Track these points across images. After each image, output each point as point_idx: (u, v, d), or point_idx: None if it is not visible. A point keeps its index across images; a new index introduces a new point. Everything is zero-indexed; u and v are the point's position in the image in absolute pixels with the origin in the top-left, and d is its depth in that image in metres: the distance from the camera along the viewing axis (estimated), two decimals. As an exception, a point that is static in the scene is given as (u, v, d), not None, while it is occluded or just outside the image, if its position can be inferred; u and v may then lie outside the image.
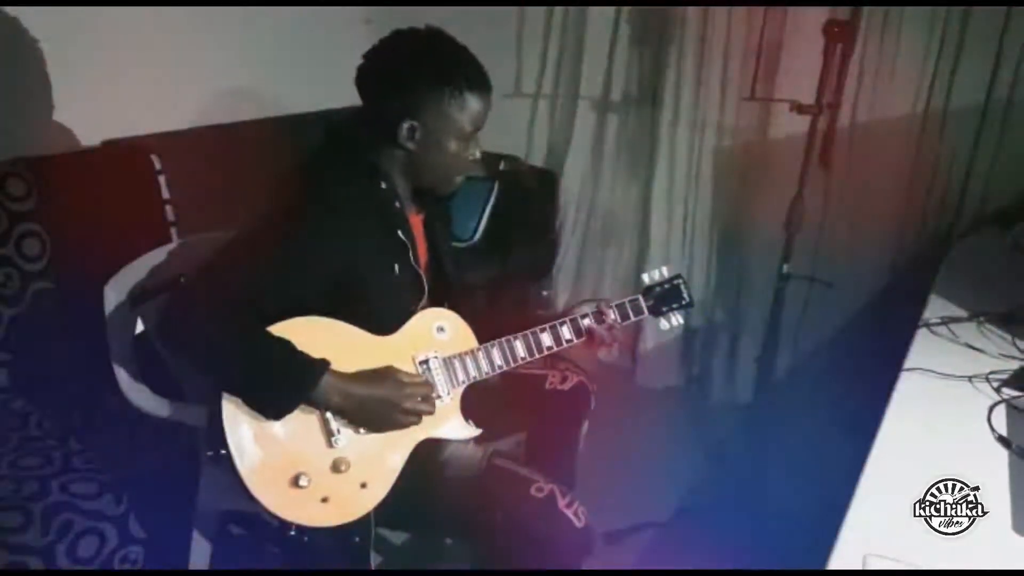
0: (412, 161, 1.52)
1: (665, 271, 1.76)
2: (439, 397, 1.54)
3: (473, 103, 1.48)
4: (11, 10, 2.12)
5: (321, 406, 1.41)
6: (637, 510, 2.40)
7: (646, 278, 1.75)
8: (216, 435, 1.37)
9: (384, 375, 1.46)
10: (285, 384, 1.37)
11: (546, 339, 1.64)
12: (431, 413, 1.49)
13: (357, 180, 1.49)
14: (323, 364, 1.39)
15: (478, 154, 1.56)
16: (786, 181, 2.18)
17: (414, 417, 1.46)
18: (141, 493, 1.74)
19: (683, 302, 1.75)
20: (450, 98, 1.45)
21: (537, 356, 1.64)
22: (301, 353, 1.38)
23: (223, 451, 1.36)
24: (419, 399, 1.47)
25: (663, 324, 1.76)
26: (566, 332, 1.66)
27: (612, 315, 1.69)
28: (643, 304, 1.73)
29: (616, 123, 3.19)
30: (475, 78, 1.48)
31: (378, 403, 1.43)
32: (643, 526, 2.36)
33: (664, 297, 1.74)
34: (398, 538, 1.68)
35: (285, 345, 1.37)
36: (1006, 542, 1.10)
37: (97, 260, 1.72)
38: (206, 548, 1.77)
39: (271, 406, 1.37)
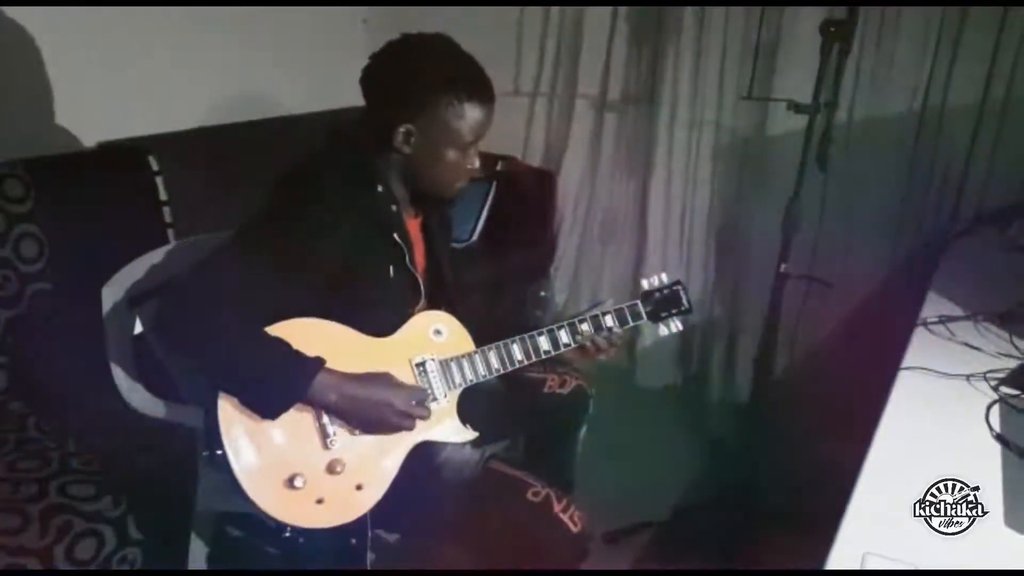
0: (408, 166, 1.52)
1: (664, 277, 1.76)
2: (435, 400, 1.54)
3: (472, 113, 1.47)
4: (10, 11, 2.12)
5: (316, 405, 1.41)
6: (635, 509, 2.40)
7: (645, 284, 1.74)
8: (212, 436, 1.37)
9: (380, 377, 1.46)
10: (280, 382, 1.37)
11: (544, 343, 1.64)
12: (425, 417, 1.49)
13: (354, 182, 1.49)
14: (318, 362, 1.39)
15: (476, 163, 1.56)
16: (783, 180, 2.18)
17: (408, 420, 1.46)
18: (139, 495, 1.75)
19: (682, 308, 1.75)
20: (448, 106, 1.45)
21: (535, 360, 1.64)
22: (296, 352, 1.38)
23: (219, 451, 1.36)
24: (413, 403, 1.46)
25: (662, 330, 1.76)
26: (564, 336, 1.66)
27: (610, 320, 1.69)
28: (642, 310, 1.72)
29: (614, 122, 3.18)
30: (477, 89, 1.47)
31: (373, 404, 1.42)
32: (641, 526, 2.37)
33: (663, 303, 1.74)
34: (392, 536, 1.68)
35: (280, 344, 1.38)
36: (998, 536, 1.10)
37: (95, 261, 1.72)
38: (204, 550, 1.77)
39: (266, 405, 1.37)
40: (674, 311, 1.75)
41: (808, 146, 2.03)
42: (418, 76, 1.45)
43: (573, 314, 1.69)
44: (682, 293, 1.75)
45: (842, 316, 2.86)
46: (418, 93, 1.45)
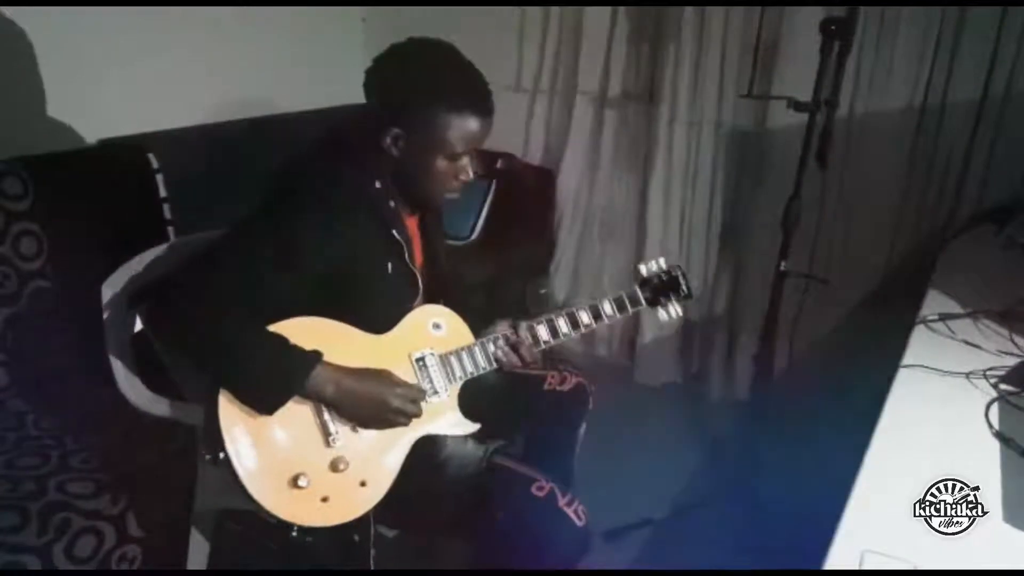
0: (397, 169, 1.51)
1: (663, 262, 1.76)
2: (436, 393, 1.54)
3: (464, 124, 1.46)
4: (9, 10, 2.12)
5: (314, 398, 1.41)
6: (635, 508, 2.40)
7: (643, 269, 1.75)
8: (213, 439, 1.36)
9: (377, 373, 1.46)
10: (278, 375, 1.37)
11: (543, 332, 1.66)
12: (418, 415, 1.49)
13: (352, 178, 1.49)
14: (316, 356, 1.39)
15: (470, 174, 1.54)
16: (783, 178, 2.18)
17: (402, 417, 1.46)
18: (139, 492, 1.74)
19: (682, 293, 1.75)
20: (440, 116, 1.44)
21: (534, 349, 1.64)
22: (294, 346, 1.38)
23: (221, 455, 1.35)
24: (408, 401, 1.46)
25: (662, 315, 1.76)
26: (563, 326, 1.67)
27: (609, 308, 1.70)
28: (640, 296, 1.73)
29: (614, 120, 3.18)
30: (471, 101, 1.46)
31: (369, 399, 1.43)
32: (641, 524, 2.37)
33: (662, 288, 1.75)
34: (392, 533, 1.68)
35: (278, 338, 1.38)
36: (997, 533, 1.11)
37: (94, 259, 1.72)
38: (204, 547, 1.77)
39: (264, 398, 1.37)
40: (673, 296, 1.75)
41: (808, 144, 2.04)
42: (412, 83, 1.44)
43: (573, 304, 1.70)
44: (681, 279, 1.76)
45: (842, 314, 2.86)
46: (410, 100, 1.44)
